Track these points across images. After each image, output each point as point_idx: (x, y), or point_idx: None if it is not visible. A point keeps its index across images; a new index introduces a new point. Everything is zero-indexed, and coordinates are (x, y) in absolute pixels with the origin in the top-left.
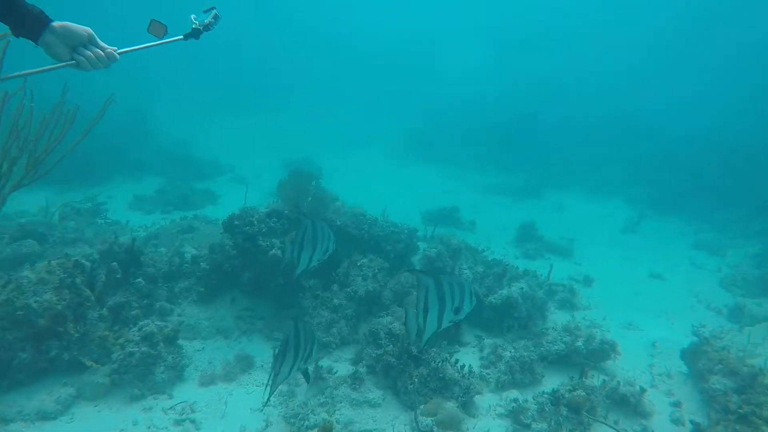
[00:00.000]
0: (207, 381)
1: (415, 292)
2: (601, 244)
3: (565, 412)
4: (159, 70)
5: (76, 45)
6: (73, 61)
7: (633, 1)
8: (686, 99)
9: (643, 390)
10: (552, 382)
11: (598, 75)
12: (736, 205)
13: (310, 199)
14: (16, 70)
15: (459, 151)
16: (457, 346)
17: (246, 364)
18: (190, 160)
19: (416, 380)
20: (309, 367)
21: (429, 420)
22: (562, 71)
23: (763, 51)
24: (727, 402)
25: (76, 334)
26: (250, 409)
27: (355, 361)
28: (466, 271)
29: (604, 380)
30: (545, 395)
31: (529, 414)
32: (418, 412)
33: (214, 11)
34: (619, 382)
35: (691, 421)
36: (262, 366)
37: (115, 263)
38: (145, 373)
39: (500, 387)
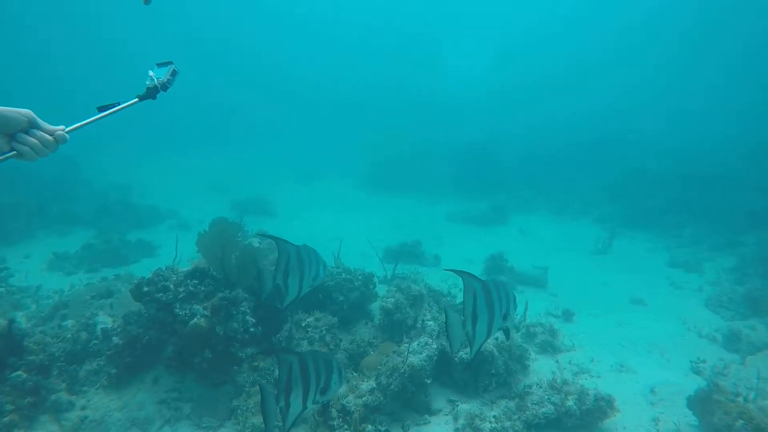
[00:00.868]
0: None
1: (373, 353)
2: (575, 270)
3: None
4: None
5: (15, 132)
6: (14, 152)
7: (605, 15)
8: (653, 115)
9: None
10: None
11: (560, 95)
12: (704, 218)
13: (237, 254)
14: None
15: (420, 179)
16: (426, 415)
17: None
18: (126, 207)
19: None
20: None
21: None
22: (525, 90)
23: (736, 70)
24: None
25: None
26: None
27: None
28: (430, 322)
29: None
30: None
31: None
32: None
33: (171, 67)
34: None
35: None
36: None
37: None
38: None
39: None
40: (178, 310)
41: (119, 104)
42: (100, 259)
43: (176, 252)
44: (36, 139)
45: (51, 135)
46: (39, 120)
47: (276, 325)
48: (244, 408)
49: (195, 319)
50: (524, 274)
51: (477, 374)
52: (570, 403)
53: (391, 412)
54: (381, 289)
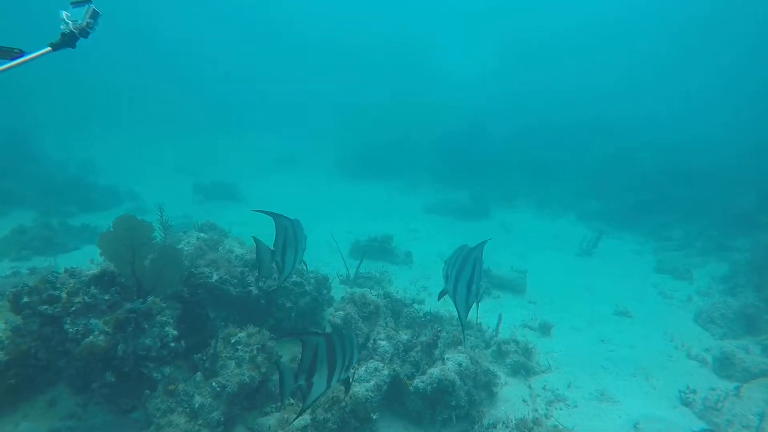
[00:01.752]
0: None
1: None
2: (557, 272)
3: None
4: (52, 77)
5: None
6: None
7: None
8: (642, 107)
9: None
10: None
11: (548, 83)
12: (694, 218)
13: (153, 257)
14: None
15: (401, 165)
16: None
17: None
18: (78, 186)
19: None
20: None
21: None
22: (511, 81)
23: (734, 66)
24: None
25: None
26: None
27: None
28: (383, 342)
29: None
30: None
31: None
32: None
33: (90, 7)
34: None
35: None
36: None
37: None
38: None
39: None
40: (68, 327)
41: (23, 54)
42: (32, 245)
43: None
44: None
45: None
46: None
47: (206, 335)
48: None
49: (91, 337)
50: (502, 277)
51: (434, 405)
52: None
53: None
54: (340, 292)
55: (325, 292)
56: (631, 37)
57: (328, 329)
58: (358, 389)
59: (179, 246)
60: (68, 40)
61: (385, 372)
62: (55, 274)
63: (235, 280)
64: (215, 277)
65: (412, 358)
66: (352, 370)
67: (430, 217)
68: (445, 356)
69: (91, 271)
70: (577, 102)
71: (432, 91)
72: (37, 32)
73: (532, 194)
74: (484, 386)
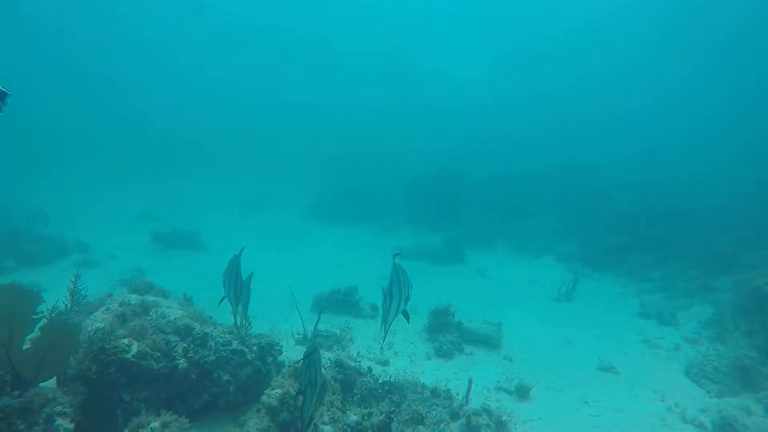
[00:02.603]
0: None
1: None
2: (536, 323)
3: None
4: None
5: None
6: None
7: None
8: (619, 146)
9: None
10: None
11: (524, 123)
12: (673, 258)
13: (40, 336)
14: None
15: (374, 208)
16: None
17: None
18: (19, 238)
19: None
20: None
21: None
22: (487, 121)
23: (695, 100)
24: None
25: None
26: None
27: None
28: (326, 428)
29: None
30: None
31: None
32: None
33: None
34: None
35: None
36: None
37: None
38: None
39: None
40: None
41: None
42: None
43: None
44: None
45: None
46: None
47: (116, 425)
48: None
49: None
50: (475, 331)
51: None
52: None
53: None
54: (296, 355)
55: (270, 359)
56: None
57: (263, 411)
58: None
59: (96, 314)
60: None
61: None
62: None
63: (158, 353)
64: (134, 350)
65: None
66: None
67: (403, 262)
68: None
69: None
70: (554, 142)
71: (410, 128)
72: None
73: (510, 236)
74: None
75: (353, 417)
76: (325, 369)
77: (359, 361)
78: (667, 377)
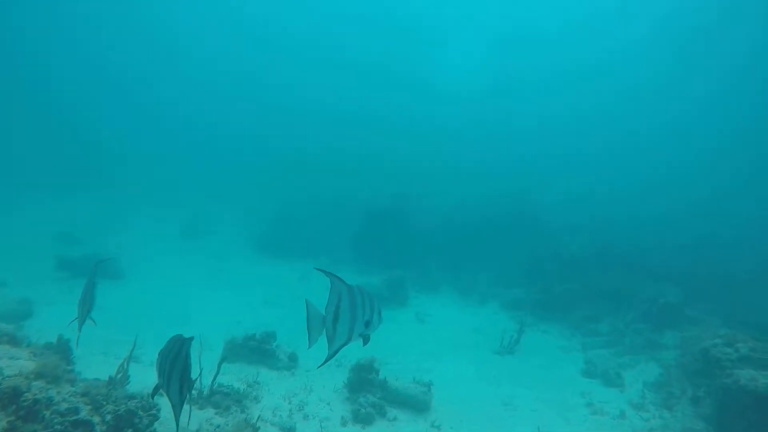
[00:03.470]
0: None
1: None
2: (473, 379)
3: None
4: None
5: None
6: None
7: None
8: (572, 186)
9: None
10: None
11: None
12: (623, 309)
13: None
14: None
15: (319, 241)
16: None
17: None
18: None
19: None
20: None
21: None
22: (436, 153)
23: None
24: None
25: None
26: None
27: None
28: None
29: None
30: None
31: None
32: None
33: None
34: None
35: None
36: None
37: None
38: None
39: None
40: None
41: None
42: None
43: None
44: None
45: None
46: None
47: None
48: None
49: None
50: (402, 392)
51: None
52: None
53: None
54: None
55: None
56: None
57: None
58: None
59: None
60: None
61: None
62: None
63: None
64: None
65: None
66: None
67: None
68: None
69: None
70: (504, 175)
71: (363, 157)
72: None
73: (456, 279)
74: None
75: None
76: None
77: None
78: None
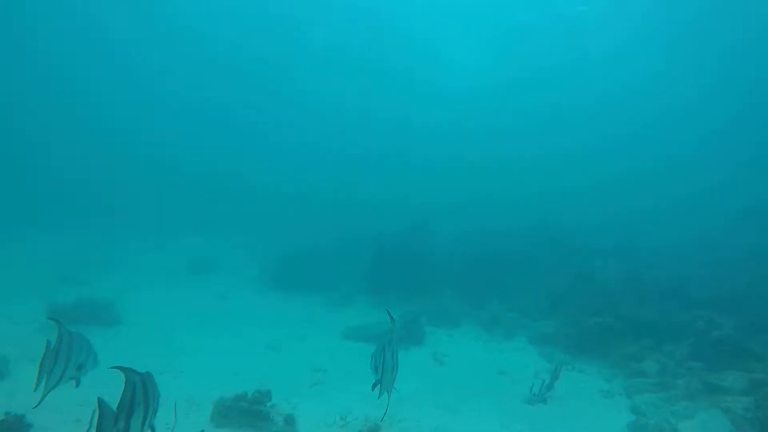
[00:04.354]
0: None
1: None
2: None
3: None
4: None
5: None
6: None
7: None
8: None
9: None
10: None
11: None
12: (669, 343)
13: None
14: None
15: (334, 275)
16: None
17: None
18: None
19: None
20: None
21: None
22: (454, 176)
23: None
24: None
25: None
26: None
27: None
28: None
29: None
30: None
31: None
32: None
33: None
34: None
35: None
36: None
37: None
38: None
39: None
40: None
41: None
42: None
43: None
44: None
45: None
46: None
47: None
48: None
49: None
50: None
51: None
52: None
53: None
54: None
55: None
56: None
57: None
58: None
59: None
60: None
61: None
62: None
63: None
64: None
65: None
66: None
67: (348, 346)
68: None
69: None
70: (533, 198)
71: (376, 183)
72: None
73: (478, 312)
74: None
75: None
76: None
77: None
78: None
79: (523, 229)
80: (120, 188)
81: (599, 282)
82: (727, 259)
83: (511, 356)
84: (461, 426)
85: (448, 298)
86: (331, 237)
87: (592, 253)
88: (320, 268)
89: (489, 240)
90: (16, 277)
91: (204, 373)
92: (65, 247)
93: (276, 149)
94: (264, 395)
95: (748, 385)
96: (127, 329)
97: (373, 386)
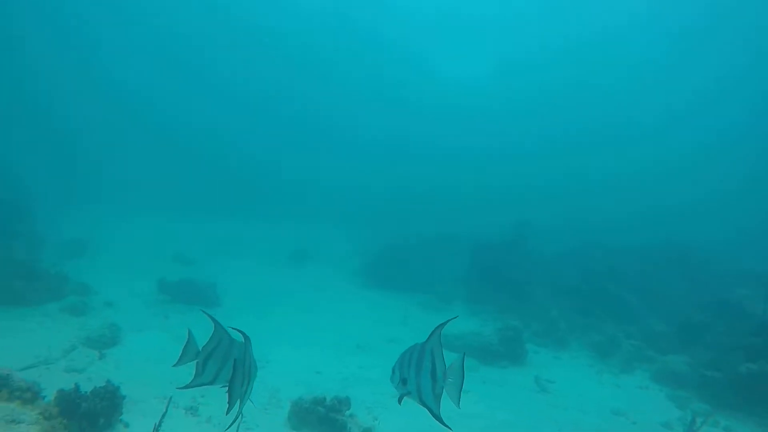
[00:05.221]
0: None
1: None
2: None
3: None
4: None
5: None
6: None
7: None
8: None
9: None
10: None
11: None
12: None
13: None
14: None
15: (432, 273)
16: None
17: None
18: (13, 271)
19: None
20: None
21: None
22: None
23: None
24: None
25: None
26: None
27: None
28: None
29: None
30: None
31: None
32: None
33: None
34: None
35: None
36: None
37: None
38: None
39: None
40: None
41: None
42: None
43: None
44: None
45: None
46: None
47: None
48: None
49: None
50: None
51: None
52: None
53: None
54: None
55: None
56: None
57: None
58: None
59: None
60: None
61: None
62: None
63: None
64: None
65: None
66: None
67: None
68: None
69: None
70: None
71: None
72: None
73: (590, 333)
74: None
75: None
76: None
77: None
78: None
79: (640, 245)
80: (241, 186)
81: (750, 315)
82: None
83: (629, 394)
84: None
85: (554, 313)
86: (430, 234)
87: (734, 278)
88: (417, 265)
89: (598, 255)
90: (138, 253)
91: (290, 366)
92: (183, 229)
93: (386, 149)
94: (342, 403)
95: None
96: (223, 311)
97: (400, 399)
